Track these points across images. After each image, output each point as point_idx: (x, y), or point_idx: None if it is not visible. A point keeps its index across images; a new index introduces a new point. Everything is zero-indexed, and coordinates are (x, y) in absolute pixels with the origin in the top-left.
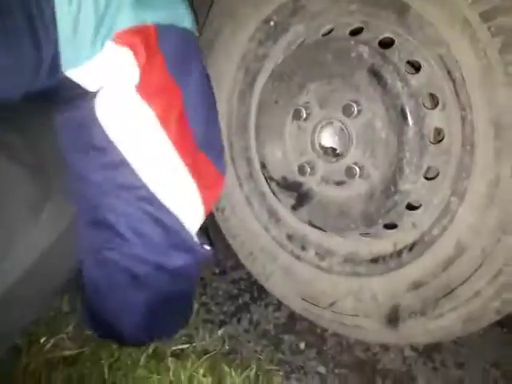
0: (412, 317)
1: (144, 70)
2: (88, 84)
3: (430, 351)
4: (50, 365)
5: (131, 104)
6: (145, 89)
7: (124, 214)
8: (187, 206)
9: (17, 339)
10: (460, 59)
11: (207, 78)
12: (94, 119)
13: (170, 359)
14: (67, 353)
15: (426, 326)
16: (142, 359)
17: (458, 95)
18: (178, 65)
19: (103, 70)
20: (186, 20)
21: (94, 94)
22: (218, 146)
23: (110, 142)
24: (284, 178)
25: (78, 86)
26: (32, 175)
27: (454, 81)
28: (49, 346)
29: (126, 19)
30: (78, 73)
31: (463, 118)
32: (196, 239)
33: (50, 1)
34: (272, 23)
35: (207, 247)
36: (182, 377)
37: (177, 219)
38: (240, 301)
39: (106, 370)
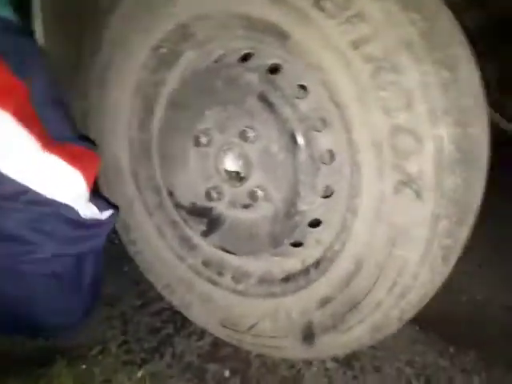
0: (325, 332)
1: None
2: None
3: (349, 359)
4: None
5: None
6: None
7: (22, 220)
8: (71, 190)
9: None
10: (339, 84)
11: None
12: None
13: None
14: None
15: (339, 340)
16: None
17: (342, 118)
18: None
19: None
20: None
21: None
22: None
23: None
24: (193, 205)
25: None
26: None
27: (337, 104)
28: None
29: None
30: None
31: (348, 140)
32: (93, 211)
33: None
34: (163, 50)
35: (107, 212)
36: None
37: (68, 206)
38: (163, 333)
39: None
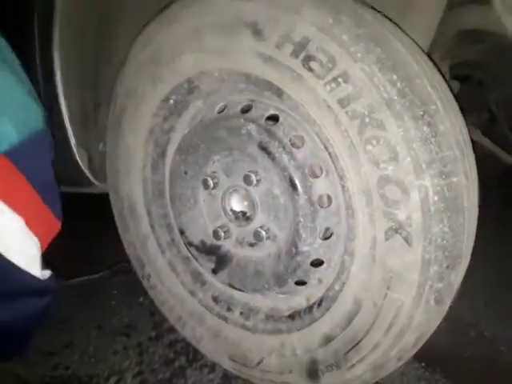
0: (329, 370)
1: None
2: None
3: None
4: None
5: None
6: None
7: None
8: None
9: None
10: (330, 138)
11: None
12: None
13: None
14: None
15: (342, 377)
16: None
17: (335, 167)
18: (32, 167)
19: None
20: (38, 120)
21: None
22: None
23: None
24: (202, 243)
25: None
26: None
27: (330, 154)
28: None
29: None
30: None
31: (342, 186)
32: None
33: None
34: (171, 101)
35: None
36: None
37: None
38: (176, 365)
39: None
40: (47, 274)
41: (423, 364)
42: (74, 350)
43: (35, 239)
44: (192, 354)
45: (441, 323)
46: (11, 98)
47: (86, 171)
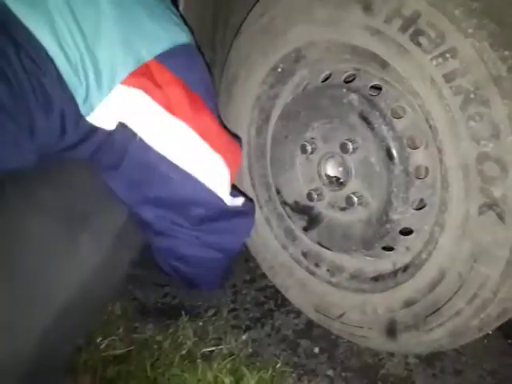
0: (407, 330)
1: (162, 98)
2: (106, 125)
3: (431, 358)
4: (104, 362)
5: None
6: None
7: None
8: (221, 182)
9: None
10: (432, 111)
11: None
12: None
13: (199, 360)
14: (118, 352)
15: (419, 339)
16: (177, 359)
17: (435, 140)
18: (189, 75)
19: (117, 110)
20: (183, 36)
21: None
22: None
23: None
24: (296, 203)
25: (98, 130)
26: (61, 222)
27: (430, 127)
28: (103, 345)
29: (124, 65)
30: (93, 118)
31: (440, 160)
32: (235, 202)
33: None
34: (279, 69)
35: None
36: (208, 376)
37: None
38: (265, 307)
39: (148, 368)
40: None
41: (509, 341)
42: (179, 284)
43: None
44: (280, 300)
45: None
46: (156, 8)
47: None
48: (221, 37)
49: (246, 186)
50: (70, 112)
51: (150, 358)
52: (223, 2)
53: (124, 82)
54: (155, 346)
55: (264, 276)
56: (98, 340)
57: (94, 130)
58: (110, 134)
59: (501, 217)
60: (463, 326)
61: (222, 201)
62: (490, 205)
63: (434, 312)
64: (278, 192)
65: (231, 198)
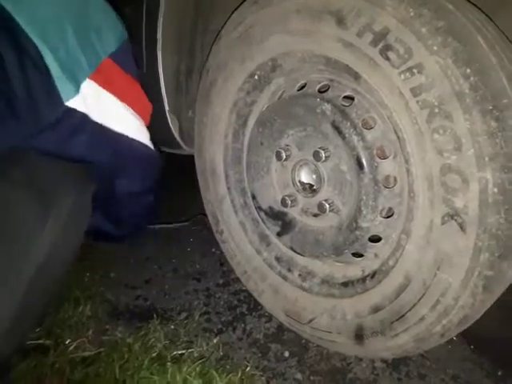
0: (374, 335)
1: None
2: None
3: (397, 363)
4: (72, 364)
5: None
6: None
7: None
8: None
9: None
10: (400, 123)
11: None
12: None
13: (169, 363)
14: (87, 354)
15: (385, 344)
16: (146, 362)
17: (402, 150)
18: (128, 63)
19: (85, 100)
20: (125, 32)
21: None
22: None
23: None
24: (271, 208)
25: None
26: (32, 199)
27: (398, 138)
28: (72, 347)
29: (89, 63)
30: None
31: (407, 170)
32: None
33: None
34: (256, 77)
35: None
36: (178, 378)
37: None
38: (238, 311)
39: (117, 370)
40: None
41: (472, 347)
42: (152, 286)
43: (140, 119)
44: (253, 304)
45: (499, 311)
46: (105, 9)
47: (177, 136)
48: (200, 43)
49: (222, 191)
50: (48, 94)
51: (120, 360)
52: (203, 10)
53: (91, 78)
54: (125, 349)
55: (238, 280)
56: (67, 342)
57: (69, 112)
58: (82, 116)
59: (462, 227)
60: (426, 331)
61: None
62: (452, 215)
63: (399, 318)
64: (254, 197)
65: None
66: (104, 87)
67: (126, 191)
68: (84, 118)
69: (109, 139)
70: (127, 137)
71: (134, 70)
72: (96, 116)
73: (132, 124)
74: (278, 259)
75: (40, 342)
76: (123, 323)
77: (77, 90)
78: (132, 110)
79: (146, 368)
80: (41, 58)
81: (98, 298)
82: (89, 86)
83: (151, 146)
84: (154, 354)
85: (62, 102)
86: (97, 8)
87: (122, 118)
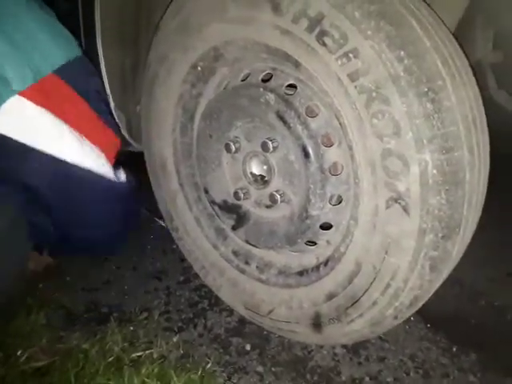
0: (331, 322)
1: (57, 110)
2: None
3: (357, 348)
4: (24, 375)
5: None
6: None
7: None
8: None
9: None
10: (341, 109)
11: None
12: None
13: (126, 367)
14: (40, 364)
15: (342, 330)
16: (103, 367)
17: (345, 137)
18: (80, 84)
19: (14, 119)
20: (76, 47)
21: None
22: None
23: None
24: (224, 202)
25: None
26: None
27: (341, 125)
28: (24, 358)
29: (22, 79)
30: None
31: (351, 156)
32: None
33: None
34: (199, 68)
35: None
36: (135, 382)
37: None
38: (199, 307)
39: (72, 379)
40: (122, 176)
41: (428, 325)
42: (111, 288)
43: (96, 148)
44: (214, 299)
45: (453, 289)
46: (52, 26)
47: (125, 132)
48: (144, 37)
49: (175, 187)
50: None
51: (75, 368)
52: (144, 1)
53: (21, 94)
54: (81, 355)
55: (198, 276)
56: (19, 353)
57: None
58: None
59: (406, 210)
60: (380, 315)
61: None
62: (396, 199)
63: (353, 304)
64: (207, 191)
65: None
66: (38, 103)
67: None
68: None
69: (39, 161)
70: (60, 159)
71: (92, 94)
72: (20, 135)
73: (72, 145)
74: (235, 253)
75: None
76: (79, 329)
77: None
78: (73, 130)
79: (102, 374)
80: None
81: (52, 305)
82: (16, 103)
83: (108, 175)
84: (111, 359)
85: None
86: (43, 27)
87: (56, 137)
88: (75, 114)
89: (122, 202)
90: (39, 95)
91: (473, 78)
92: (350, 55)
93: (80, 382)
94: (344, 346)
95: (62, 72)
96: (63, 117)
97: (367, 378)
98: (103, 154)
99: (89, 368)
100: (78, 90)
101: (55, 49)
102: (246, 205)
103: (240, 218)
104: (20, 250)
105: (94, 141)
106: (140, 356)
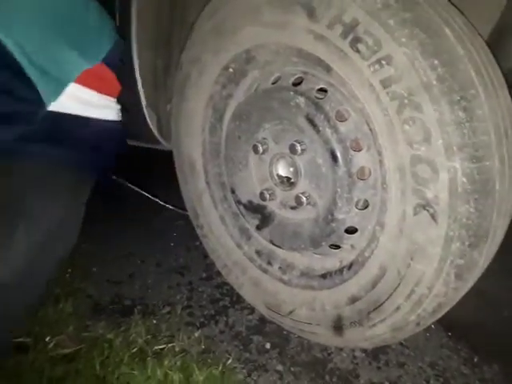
0: (352, 326)
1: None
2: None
3: (377, 352)
4: (52, 361)
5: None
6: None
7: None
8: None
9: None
10: (372, 115)
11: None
12: None
13: (149, 358)
14: (67, 351)
15: (363, 334)
16: (127, 357)
17: (375, 142)
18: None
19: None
20: (116, 35)
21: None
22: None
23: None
24: (250, 202)
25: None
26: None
27: (371, 130)
28: (51, 345)
29: (76, 66)
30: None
31: (380, 162)
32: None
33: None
34: (231, 70)
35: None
36: (158, 373)
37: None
38: (220, 304)
39: (97, 367)
40: None
41: (449, 333)
42: (135, 281)
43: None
44: (236, 297)
45: (476, 299)
46: (101, 14)
47: (155, 131)
48: (178, 37)
49: (201, 185)
50: (29, 99)
51: (100, 356)
52: (179, 1)
53: (77, 81)
54: (106, 345)
55: (221, 273)
56: (47, 339)
57: (53, 116)
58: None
59: (433, 217)
60: (403, 321)
61: None
62: (424, 205)
63: (376, 308)
64: (233, 191)
65: None
66: (91, 87)
67: None
68: (67, 117)
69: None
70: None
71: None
72: (78, 111)
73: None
74: (258, 252)
75: (20, 340)
76: (105, 319)
77: (58, 93)
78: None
79: (127, 363)
80: (19, 65)
81: (79, 295)
82: (73, 88)
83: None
84: (135, 350)
85: (44, 106)
86: (95, 13)
87: (104, 107)
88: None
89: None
90: (90, 80)
91: (505, 88)
92: (383, 62)
93: (105, 369)
94: (363, 350)
95: (107, 59)
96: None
97: (386, 383)
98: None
99: (113, 357)
100: (113, 67)
101: (105, 37)
102: (272, 206)
103: (265, 219)
104: (71, 235)
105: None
106: (163, 349)
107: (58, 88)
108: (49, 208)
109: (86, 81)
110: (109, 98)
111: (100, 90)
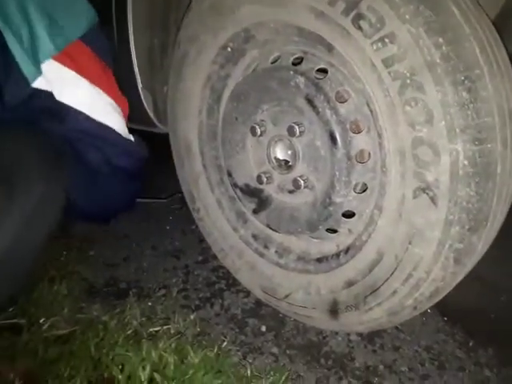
0: (348, 310)
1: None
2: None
3: (372, 336)
4: (46, 342)
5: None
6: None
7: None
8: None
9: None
10: (372, 95)
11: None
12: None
13: (144, 340)
14: (61, 332)
15: (359, 318)
16: (122, 339)
17: (375, 124)
18: (100, 48)
19: (50, 79)
20: (93, 18)
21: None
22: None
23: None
24: (247, 185)
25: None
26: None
27: (371, 112)
28: (46, 326)
29: (55, 44)
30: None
31: (380, 144)
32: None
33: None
34: (229, 49)
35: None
36: (153, 355)
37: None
38: (216, 287)
39: (92, 349)
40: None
41: (445, 318)
42: (130, 264)
43: (119, 109)
44: (232, 280)
45: (472, 284)
46: None
47: (151, 113)
48: (174, 17)
49: (198, 168)
50: (12, 76)
51: (95, 338)
52: None
53: (55, 58)
54: (100, 326)
55: (217, 257)
56: (41, 321)
57: (35, 92)
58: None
59: (433, 200)
60: (399, 305)
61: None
62: (424, 188)
63: (372, 292)
64: (230, 174)
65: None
66: (69, 66)
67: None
68: (50, 96)
69: (73, 117)
70: (89, 117)
71: (108, 58)
72: (58, 94)
73: (98, 104)
74: (254, 236)
75: (14, 321)
76: (99, 301)
77: (38, 70)
78: (99, 89)
79: (121, 345)
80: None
81: (74, 277)
82: (51, 66)
83: (123, 134)
84: (130, 332)
85: (28, 84)
86: None
87: (85, 97)
88: (97, 72)
89: (134, 158)
90: (67, 58)
91: (510, 68)
92: (386, 40)
93: (99, 351)
94: (359, 334)
95: (85, 38)
96: (91, 79)
97: (381, 366)
98: (122, 113)
99: (108, 339)
100: (98, 53)
101: (80, 15)
102: (269, 189)
103: (261, 202)
104: (49, 224)
105: (117, 101)
106: (158, 331)
107: (37, 63)
108: (32, 181)
109: (62, 58)
110: (92, 84)
111: (79, 71)
